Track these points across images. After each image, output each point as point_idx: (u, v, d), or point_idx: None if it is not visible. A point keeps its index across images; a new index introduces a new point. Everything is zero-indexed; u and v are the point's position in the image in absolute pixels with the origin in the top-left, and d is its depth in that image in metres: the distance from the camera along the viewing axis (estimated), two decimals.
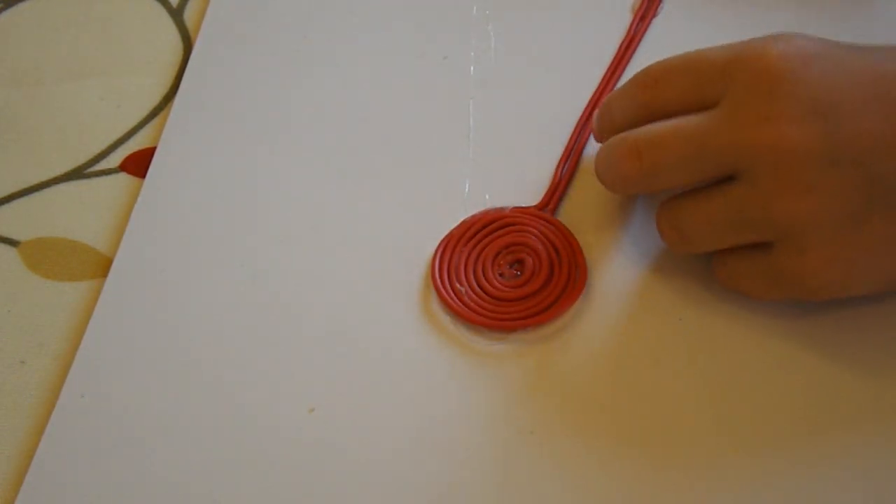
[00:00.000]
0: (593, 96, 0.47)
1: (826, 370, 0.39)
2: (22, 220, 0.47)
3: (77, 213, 0.47)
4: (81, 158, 0.48)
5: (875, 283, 0.38)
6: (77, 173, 0.48)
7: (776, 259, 0.37)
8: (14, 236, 0.46)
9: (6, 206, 0.47)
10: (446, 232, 0.43)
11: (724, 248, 0.39)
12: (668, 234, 0.40)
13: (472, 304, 0.41)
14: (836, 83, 0.35)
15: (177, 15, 0.53)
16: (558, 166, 0.45)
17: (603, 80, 0.47)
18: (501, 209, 0.44)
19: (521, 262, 0.42)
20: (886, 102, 0.35)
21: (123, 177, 0.48)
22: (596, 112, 0.43)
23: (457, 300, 0.42)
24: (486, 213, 0.44)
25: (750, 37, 0.40)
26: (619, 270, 0.42)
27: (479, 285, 0.42)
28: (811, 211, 0.35)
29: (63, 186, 0.48)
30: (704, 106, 0.37)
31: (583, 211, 0.44)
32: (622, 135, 0.40)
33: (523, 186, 0.45)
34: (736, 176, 0.37)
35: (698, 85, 0.38)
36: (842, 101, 0.35)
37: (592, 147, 0.45)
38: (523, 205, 0.44)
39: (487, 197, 0.45)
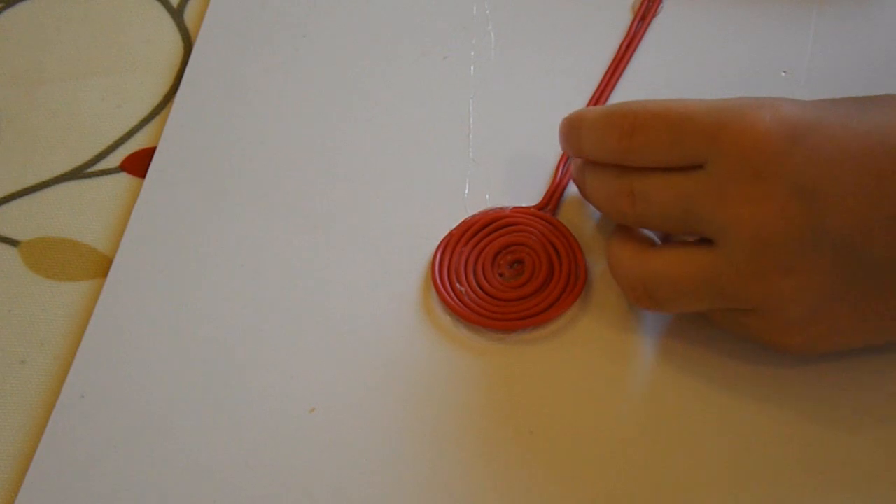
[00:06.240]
0: (594, 96, 0.47)
1: (830, 371, 0.39)
2: (22, 220, 0.47)
3: (77, 213, 0.47)
4: (81, 158, 0.48)
5: (842, 346, 0.38)
6: (77, 173, 0.48)
7: (748, 320, 0.37)
8: (14, 236, 0.46)
9: (6, 206, 0.47)
10: (446, 232, 0.43)
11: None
12: (634, 294, 0.39)
13: (472, 304, 0.41)
14: (823, 162, 0.34)
15: (177, 15, 0.53)
16: (558, 166, 0.45)
17: (603, 80, 0.47)
18: (501, 209, 0.44)
19: (520, 262, 0.42)
20: (873, 180, 0.34)
21: (123, 177, 0.48)
22: (565, 121, 0.42)
23: (457, 300, 0.42)
24: (486, 213, 0.44)
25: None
26: None
27: (479, 285, 0.42)
28: (788, 291, 0.35)
29: (63, 186, 0.48)
30: (686, 164, 0.36)
31: (583, 211, 0.44)
32: (617, 170, 0.39)
33: (523, 186, 0.45)
34: (715, 242, 0.36)
35: (680, 145, 0.36)
36: (827, 183, 0.34)
37: None
38: (523, 205, 0.44)
39: (487, 197, 0.45)
